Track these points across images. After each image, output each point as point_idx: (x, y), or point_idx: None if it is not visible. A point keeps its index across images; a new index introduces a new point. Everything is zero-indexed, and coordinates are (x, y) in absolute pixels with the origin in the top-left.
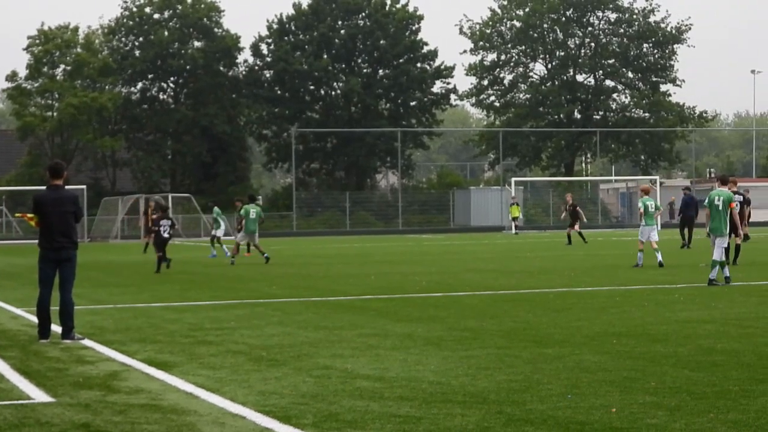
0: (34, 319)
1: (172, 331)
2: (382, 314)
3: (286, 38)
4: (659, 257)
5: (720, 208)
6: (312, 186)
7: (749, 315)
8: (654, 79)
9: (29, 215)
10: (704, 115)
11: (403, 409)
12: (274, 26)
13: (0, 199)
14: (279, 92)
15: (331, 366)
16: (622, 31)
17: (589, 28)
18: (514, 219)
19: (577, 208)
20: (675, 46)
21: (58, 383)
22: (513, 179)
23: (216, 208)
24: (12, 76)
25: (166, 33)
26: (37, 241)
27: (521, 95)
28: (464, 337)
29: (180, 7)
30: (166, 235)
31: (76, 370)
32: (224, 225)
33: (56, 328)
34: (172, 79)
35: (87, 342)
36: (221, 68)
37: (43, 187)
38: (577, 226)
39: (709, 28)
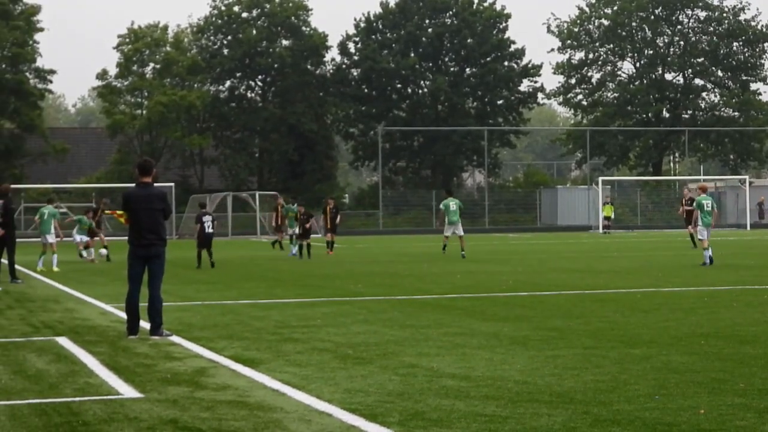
0: (123, 315)
1: (259, 328)
2: (468, 313)
3: (373, 37)
4: (705, 257)
5: None
6: (398, 184)
7: None
8: (744, 77)
9: (119, 212)
10: None
11: (489, 408)
12: (362, 25)
13: (91, 195)
14: (366, 90)
15: (416, 364)
16: (711, 29)
17: (678, 27)
18: (607, 218)
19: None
20: (765, 44)
21: (147, 379)
22: (600, 178)
23: (294, 206)
24: (102, 75)
25: (254, 32)
26: (126, 237)
27: (609, 94)
28: (550, 337)
29: (268, 6)
30: (210, 230)
31: (164, 366)
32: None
33: (145, 324)
34: (259, 77)
35: (175, 338)
36: (308, 67)
37: (133, 185)
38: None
39: None
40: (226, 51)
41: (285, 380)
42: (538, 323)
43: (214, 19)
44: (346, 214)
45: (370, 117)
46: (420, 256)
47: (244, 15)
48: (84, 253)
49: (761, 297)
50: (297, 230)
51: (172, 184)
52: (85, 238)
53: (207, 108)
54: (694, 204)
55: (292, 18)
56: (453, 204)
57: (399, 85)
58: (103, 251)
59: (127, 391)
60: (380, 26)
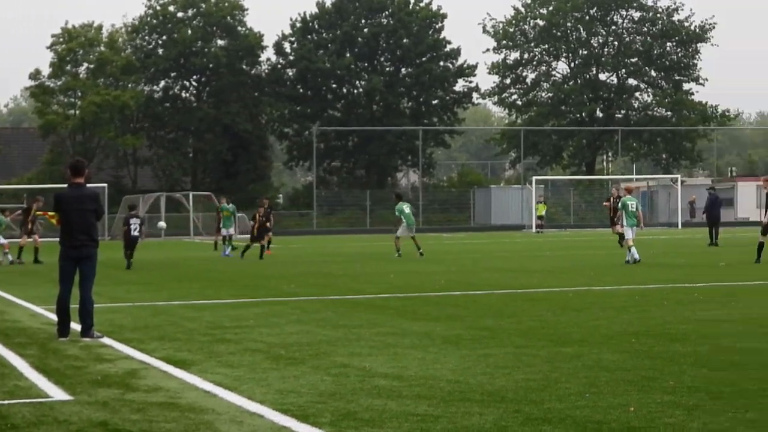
0: (54, 317)
1: (191, 329)
2: (401, 313)
3: (309, 37)
4: (630, 256)
5: None
6: (333, 184)
7: None
8: (677, 77)
9: (50, 213)
10: (726, 113)
11: (421, 407)
12: (297, 24)
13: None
14: (301, 90)
15: (349, 364)
16: (645, 29)
17: (613, 27)
18: (540, 218)
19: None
20: (698, 44)
21: (77, 381)
22: (534, 178)
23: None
24: (35, 75)
25: (189, 31)
26: (57, 239)
27: (543, 94)
28: (482, 336)
29: (203, 6)
30: (135, 233)
31: (95, 368)
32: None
33: (75, 326)
34: (194, 77)
35: (106, 340)
36: (244, 66)
37: (65, 185)
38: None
39: (732, 27)
40: (160, 51)
41: (217, 381)
42: (470, 322)
43: (149, 18)
44: (280, 214)
45: (305, 117)
46: (354, 256)
47: (180, 15)
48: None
49: (691, 295)
50: (232, 230)
51: (105, 184)
52: (2, 240)
53: (141, 108)
54: (619, 204)
55: (228, 18)
56: (407, 207)
57: (334, 85)
58: (9, 257)
59: (56, 393)
60: (316, 26)
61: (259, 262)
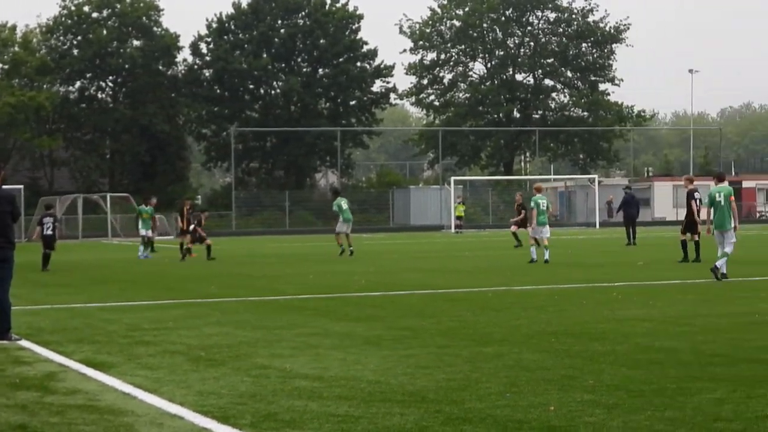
0: None
1: (110, 331)
2: (321, 313)
3: (225, 37)
4: (547, 254)
5: (723, 203)
6: (251, 185)
7: (687, 313)
8: (593, 78)
9: None
10: (642, 114)
11: (342, 408)
12: (214, 25)
13: None
14: (218, 91)
15: (269, 366)
16: (561, 30)
17: (529, 28)
18: (458, 218)
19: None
20: (613, 45)
21: None
22: (452, 178)
23: (147, 207)
24: None
25: (104, 32)
26: None
27: (461, 94)
28: (403, 336)
29: (119, 6)
30: (49, 232)
31: (13, 371)
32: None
33: None
34: (110, 78)
35: (24, 343)
36: (160, 67)
37: None
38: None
39: (647, 28)
40: (76, 51)
41: (136, 383)
42: (391, 323)
43: (63, 19)
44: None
45: (223, 118)
46: (273, 256)
47: (95, 15)
48: None
49: (610, 295)
50: (150, 233)
51: (21, 186)
52: None
53: (57, 109)
54: (531, 203)
55: (143, 18)
56: (344, 203)
57: (251, 86)
58: None
59: None
60: (232, 27)
61: (178, 264)
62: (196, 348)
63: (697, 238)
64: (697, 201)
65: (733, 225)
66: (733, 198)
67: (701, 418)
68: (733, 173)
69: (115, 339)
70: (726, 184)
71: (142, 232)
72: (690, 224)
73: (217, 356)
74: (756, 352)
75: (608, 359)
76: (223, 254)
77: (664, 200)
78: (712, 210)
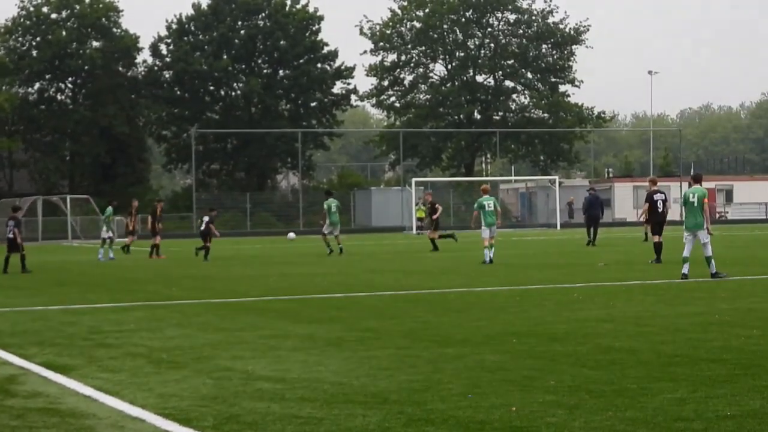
0: None
1: (71, 334)
2: (283, 315)
3: (185, 38)
4: (491, 255)
5: (695, 204)
6: (212, 187)
7: (647, 314)
8: (553, 79)
9: None
10: (602, 115)
11: (304, 410)
12: (174, 26)
13: None
14: (178, 93)
15: (231, 368)
16: (521, 32)
17: (489, 29)
18: (420, 219)
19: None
20: (573, 47)
21: None
22: (413, 180)
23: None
24: None
25: (63, 33)
26: None
27: (421, 96)
28: (365, 338)
29: (78, 7)
30: (10, 235)
31: None
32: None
33: None
34: (70, 79)
35: None
36: (120, 68)
37: None
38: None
39: (607, 30)
40: (35, 52)
41: (97, 386)
42: (352, 324)
43: (22, 20)
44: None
45: (183, 119)
46: (234, 258)
47: (54, 16)
48: None
49: (571, 295)
50: (111, 234)
51: None
52: None
53: (16, 110)
54: (476, 205)
55: (103, 19)
56: (334, 205)
57: (212, 87)
58: None
59: None
60: (192, 28)
61: (137, 267)
62: (157, 350)
63: (657, 239)
64: (659, 202)
65: (705, 226)
66: (707, 200)
67: (662, 418)
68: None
69: (75, 342)
70: (701, 185)
71: (103, 234)
72: (656, 225)
73: (179, 358)
74: (716, 351)
75: (569, 360)
76: (183, 256)
77: (624, 201)
78: (684, 210)
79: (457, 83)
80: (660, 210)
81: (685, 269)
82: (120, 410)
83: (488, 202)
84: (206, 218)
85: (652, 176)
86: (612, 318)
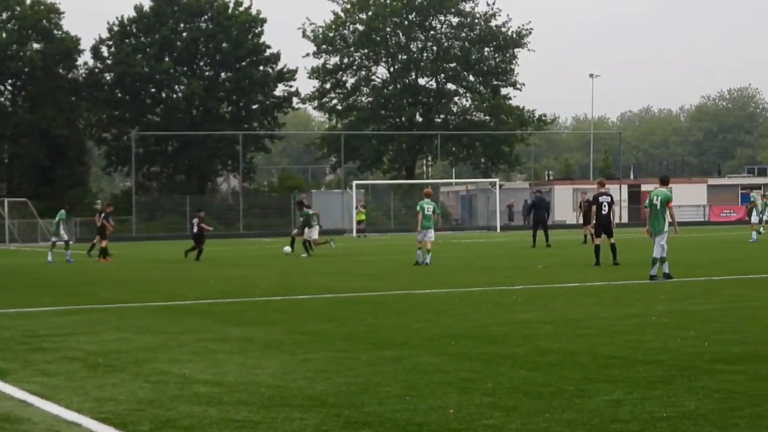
0: None
1: (7, 338)
2: (222, 318)
3: (127, 41)
4: (428, 258)
5: (658, 207)
6: (152, 190)
7: (585, 316)
8: (495, 82)
9: None
10: (543, 118)
11: (242, 413)
12: (115, 28)
13: None
14: (119, 95)
15: (169, 371)
16: (463, 35)
17: (431, 32)
18: (360, 222)
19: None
20: (515, 50)
21: None
22: (354, 182)
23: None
24: None
25: (4, 34)
26: None
27: (363, 98)
28: (304, 341)
29: (18, 9)
30: None
31: None
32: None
33: None
34: (9, 81)
35: None
36: (60, 71)
37: None
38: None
39: (548, 33)
40: None
41: (33, 390)
42: (291, 327)
43: None
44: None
45: (124, 121)
46: (174, 261)
47: None
48: None
49: (509, 297)
50: (66, 237)
51: None
52: None
53: None
54: (418, 207)
55: (43, 21)
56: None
57: (153, 90)
58: None
59: None
60: (134, 30)
61: (76, 270)
62: (94, 354)
63: (612, 241)
64: (604, 205)
65: (666, 229)
66: (671, 204)
67: (599, 419)
68: (632, 177)
69: (11, 345)
70: (666, 188)
71: (53, 237)
72: (599, 227)
73: (116, 362)
74: (652, 353)
75: (507, 362)
76: (123, 259)
77: (565, 204)
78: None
79: (399, 86)
80: (605, 212)
81: (654, 271)
82: (55, 415)
83: (428, 206)
84: (195, 220)
85: (601, 178)
86: (550, 320)
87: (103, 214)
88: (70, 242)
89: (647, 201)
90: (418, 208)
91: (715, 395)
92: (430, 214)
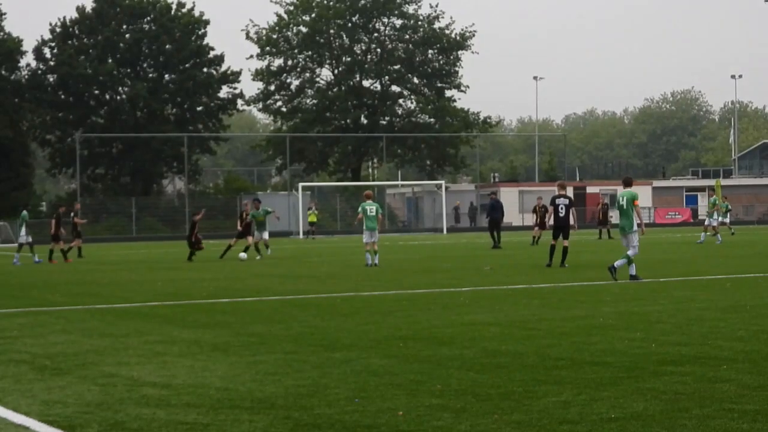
0: None
1: None
2: (169, 321)
3: (70, 42)
4: (376, 259)
5: (625, 207)
6: (97, 192)
7: (532, 317)
8: (439, 84)
9: None
10: (488, 120)
11: (190, 416)
12: (58, 30)
13: None
14: (63, 97)
15: (116, 374)
16: (407, 37)
17: (375, 34)
18: (311, 224)
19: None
20: (459, 52)
21: None
22: (300, 184)
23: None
24: None
25: None
26: None
27: (308, 100)
28: (252, 343)
29: None
30: None
31: None
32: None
33: None
34: None
35: None
36: (3, 72)
37: None
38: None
39: (492, 35)
40: None
41: None
42: (239, 329)
43: None
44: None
45: (68, 123)
46: (120, 263)
47: None
48: None
49: (457, 299)
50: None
51: None
52: None
53: None
54: (359, 209)
55: None
56: (262, 211)
57: (97, 91)
58: None
59: None
60: (77, 31)
61: (21, 272)
62: (41, 357)
63: (566, 244)
64: (561, 207)
65: (635, 228)
66: (637, 202)
67: (547, 420)
68: (578, 179)
69: None
70: (631, 188)
71: (28, 238)
72: (556, 229)
73: (63, 365)
74: (599, 354)
75: (456, 363)
76: (69, 261)
77: (510, 206)
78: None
79: (343, 88)
80: (562, 215)
81: (632, 270)
82: (3, 417)
83: (370, 207)
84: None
85: (561, 181)
86: (498, 322)
87: (72, 213)
88: (33, 245)
89: (616, 203)
90: (360, 209)
91: (662, 396)
92: (373, 215)
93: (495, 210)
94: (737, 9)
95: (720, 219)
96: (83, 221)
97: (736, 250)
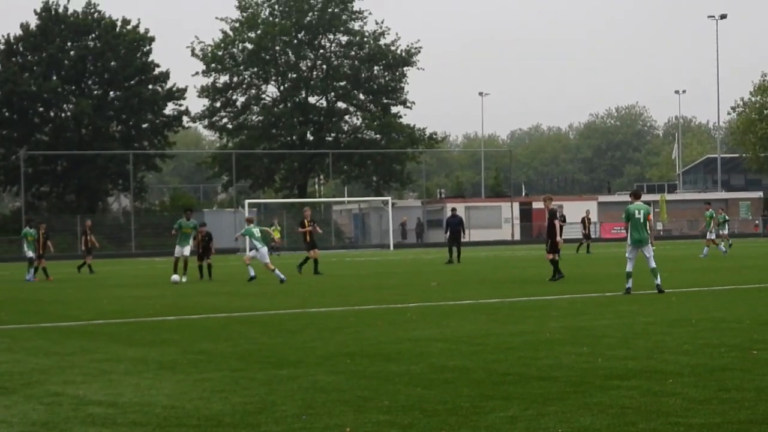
0: None
1: None
2: (115, 339)
3: (14, 59)
4: (252, 272)
5: (641, 220)
6: (42, 209)
7: (479, 332)
8: (385, 101)
9: None
10: (434, 136)
11: None
12: (2, 47)
13: None
14: (7, 114)
15: (62, 393)
16: (353, 53)
17: (321, 51)
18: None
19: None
20: (405, 68)
21: None
22: (246, 201)
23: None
24: None
25: None
26: None
27: (254, 117)
28: (198, 360)
29: None
30: None
31: None
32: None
33: None
34: None
35: None
36: None
37: None
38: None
39: (438, 52)
40: None
41: None
42: (185, 347)
43: None
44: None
45: (12, 141)
46: (65, 281)
47: None
48: None
49: (404, 315)
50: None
51: None
52: None
53: None
54: (243, 232)
55: None
56: (257, 230)
57: (41, 109)
58: None
59: None
60: (21, 48)
61: None
62: None
63: (552, 257)
64: (560, 220)
65: (649, 241)
66: (651, 216)
67: None
68: (524, 194)
69: None
70: (641, 201)
71: (29, 254)
72: (555, 244)
73: (8, 384)
74: (546, 369)
75: (403, 379)
76: (12, 280)
77: None
78: (629, 225)
79: (289, 105)
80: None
81: (629, 283)
82: None
83: (256, 229)
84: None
85: (548, 194)
86: (445, 337)
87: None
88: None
89: (624, 215)
90: (245, 232)
91: (609, 411)
92: (259, 236)
93: (455, 225)
94: (681, 25)
95: (720, 231)
96: (95, 242)
97: (681, 264)
